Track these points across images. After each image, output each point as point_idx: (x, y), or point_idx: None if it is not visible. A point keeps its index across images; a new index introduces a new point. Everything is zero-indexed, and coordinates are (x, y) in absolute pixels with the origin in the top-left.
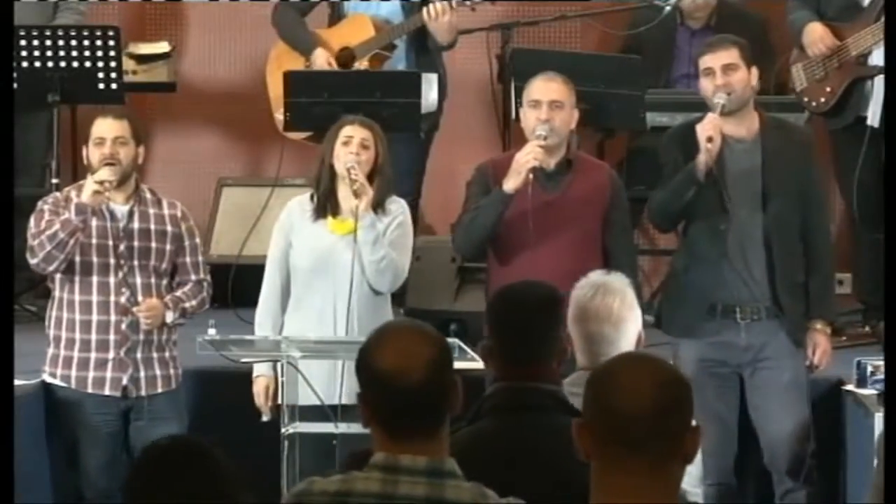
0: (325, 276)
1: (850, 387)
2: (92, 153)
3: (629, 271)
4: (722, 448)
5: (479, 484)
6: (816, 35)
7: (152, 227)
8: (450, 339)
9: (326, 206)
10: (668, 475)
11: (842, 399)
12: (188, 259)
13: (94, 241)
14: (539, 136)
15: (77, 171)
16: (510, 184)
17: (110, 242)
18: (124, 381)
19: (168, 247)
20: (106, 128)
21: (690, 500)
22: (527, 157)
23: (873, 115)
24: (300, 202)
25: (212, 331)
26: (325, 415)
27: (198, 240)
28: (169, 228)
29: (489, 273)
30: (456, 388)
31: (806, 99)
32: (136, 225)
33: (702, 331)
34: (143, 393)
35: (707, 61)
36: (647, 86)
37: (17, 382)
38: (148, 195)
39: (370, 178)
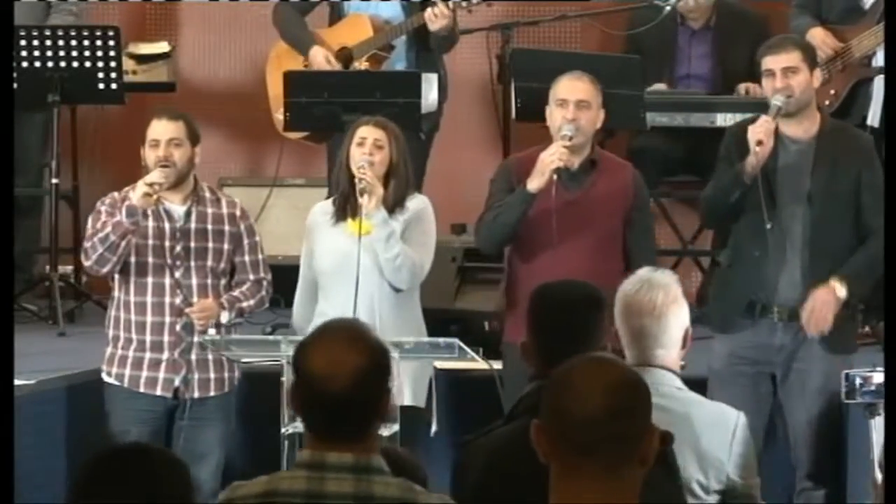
0: (343, 278)
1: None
2: (147, 155)
3: None
4: None
5: (407, 480)
6: (819, 39)
7: (209, 226)
8: (450, 339)
9: (346, 208)
10: (624, 479)
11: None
12: (247, 258)
13: (149, 241)
14: (565, 135)
15: (77, 171)
16: (534, 183)
17: (167, 243)
18: (176, 383)
19: (225, 246)
20: (161, 130)
21: (742, 491)
22: (552, 158)
23: (873, 116)
24: (322, 207)
25: (212, 331)
26: None
27: (257, 238)
28: (227, 227)
29: (510, 270)
30: (386, 396)
31: None
32: (192, 225)
33: (738, 327)
34: (195, 395)
35: (768, 63)
36: (647, 86)
37: (17, 382)
38: (207, 194)
39: (386, 178)
